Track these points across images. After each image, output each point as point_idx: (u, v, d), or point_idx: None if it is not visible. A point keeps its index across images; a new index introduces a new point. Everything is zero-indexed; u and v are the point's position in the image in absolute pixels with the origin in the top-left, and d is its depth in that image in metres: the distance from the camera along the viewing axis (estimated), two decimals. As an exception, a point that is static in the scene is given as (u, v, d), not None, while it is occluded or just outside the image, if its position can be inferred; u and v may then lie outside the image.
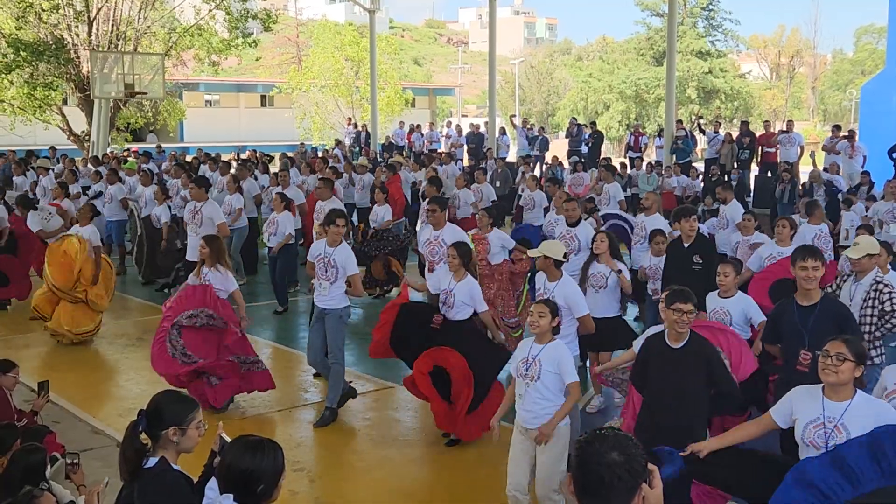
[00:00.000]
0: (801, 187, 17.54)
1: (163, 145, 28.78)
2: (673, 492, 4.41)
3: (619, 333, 8.00)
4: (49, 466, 5.50)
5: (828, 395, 4.43)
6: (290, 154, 24.04)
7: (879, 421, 4.25)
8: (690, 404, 5.27)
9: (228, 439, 3.65)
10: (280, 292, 12.58)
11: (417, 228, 12.88)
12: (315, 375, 9.43)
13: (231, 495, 3.24)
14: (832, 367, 4.36)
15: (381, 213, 12.96)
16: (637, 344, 6.05)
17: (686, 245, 8.50)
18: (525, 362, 5.59)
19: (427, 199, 10.16)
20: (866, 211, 13.34)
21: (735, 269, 7.09)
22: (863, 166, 18.38)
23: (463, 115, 56.92)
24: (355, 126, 31.16)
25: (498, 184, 19.61)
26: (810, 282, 5.77)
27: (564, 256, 6.95)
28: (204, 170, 18.58)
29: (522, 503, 5.65)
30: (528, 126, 27.46)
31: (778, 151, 20.16)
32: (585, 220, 10.10)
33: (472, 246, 8.26)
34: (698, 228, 8.80)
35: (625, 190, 19.96)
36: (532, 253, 7.08)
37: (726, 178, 19.98)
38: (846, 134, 19.77)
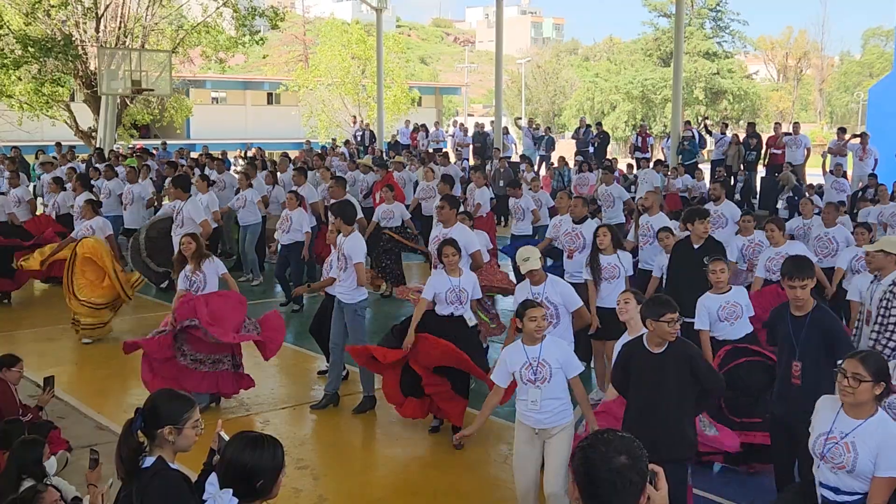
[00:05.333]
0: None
1: (168, 142, 28.82)
2: None
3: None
4: (55, 462, 5.52)
5: (846, 409, 4.28)
6: (292, 153, 24.01)
7: (883, 446, 4.10)
8: (678, 409, 5.14)
9: (227, 438, 3.65)
10: (289, 290, 12.52)
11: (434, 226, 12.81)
12: (320, 373, 9.43)
13: (230, 490, 3.23)
14: (848, 388, 4.18)
15: (398, 212, 12.88)
16: None
17: (696, 246, 8.48)
18: (529, 367, 5.47)
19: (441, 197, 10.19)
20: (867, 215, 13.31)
21: (728, 263, 7.25)
22: (873, 169, 18.33)
23: (469, 115, 56.96)
24: (361, 123, 31.15)
25: (501, 183, 19.57)
26: (798, 301, 5.63)
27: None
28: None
29: None
30: (534, 126, 27.43)
31: (785, 153, 20.08)
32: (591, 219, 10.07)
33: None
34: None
35: (630, 190, 19.93)
36: (526, 267, 7.01)
37: (733, 180, 19.95)
38: (858, 134, 19.67)
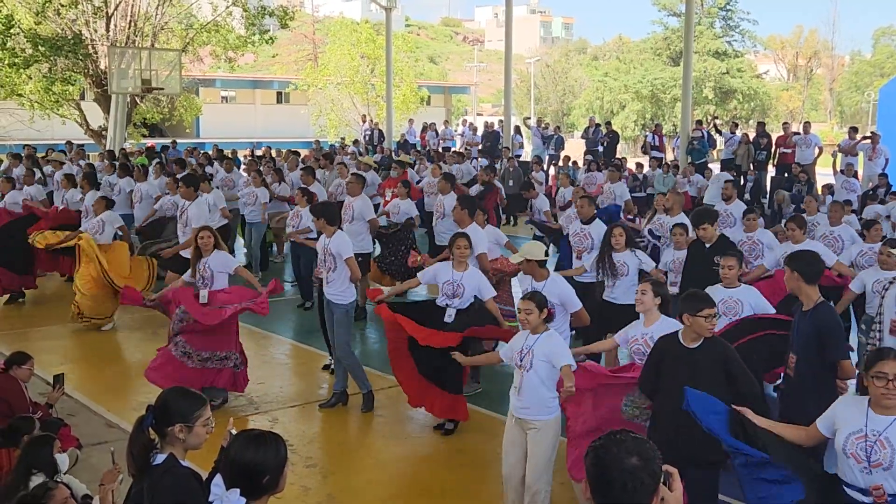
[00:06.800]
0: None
1: (178, 140, 28.89)
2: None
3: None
4: (67, 459, 5.55)
5: (873, 406, 4.23)
6: (303, 151, 24.02)
7: None
8: None
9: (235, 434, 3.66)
10: (305, 287, 12.49)
11: (433, 224, 12.82)
12: (324, 368, 9.48)
13: (238, 490, 3.25)
14: (893, 392, 4.14)
15: (405, 207, 12.86)
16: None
17: (708, 246, 8.53)
18: (520, 353, 5.66)
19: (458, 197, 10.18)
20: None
21: (738, 261, 7.19)
22: (884, 168, 18.25)
23: (478, 114, 56.96)
24: (371, 123, 31.17)
25: (511, 182, 19.57)
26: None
27: (546, 254, 7.09)
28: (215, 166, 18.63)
29: (517, 491, 5.70)
30: (543, 125, 27.40)
31: (795, 153, 20.04)
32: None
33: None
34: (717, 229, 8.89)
35: (643, 190, 19.90)
36: (513, 258, 7.20)
37: (742, 180, 19.91)
38: (868, 135, 19.62)
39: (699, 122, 24.14)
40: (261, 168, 15.91)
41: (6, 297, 12.82)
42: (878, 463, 4.14)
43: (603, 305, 8.39)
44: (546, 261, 7.11)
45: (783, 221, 12.74)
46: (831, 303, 6.51)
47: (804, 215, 10.53)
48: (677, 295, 7.33)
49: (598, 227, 9.39)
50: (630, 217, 14.08)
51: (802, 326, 5.63)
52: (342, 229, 8.96)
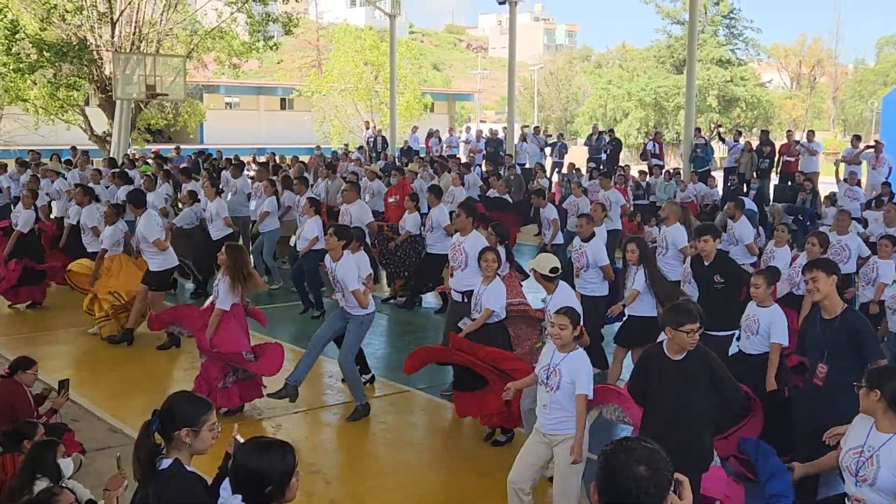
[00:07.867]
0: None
1: (182, 146, 28.98)
2: None
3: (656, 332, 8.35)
4: (71, 463, 5.56)
5: (877, 424, 4.28)
6: (304, 159, 24.08)
7: None
8: (697, 416, 5.15)
9: (243, 441, 3.67)
10: (313, 294, 12.33)
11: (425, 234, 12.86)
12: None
13: (240, 496, 3.25)
14: None
15: (410, 222, 12.86)
16: None
17: (707, 264, 8.35)
18: (546, 370, 5.59)
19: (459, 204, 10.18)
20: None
21: (766, 279, 6.91)
22: (887, 177, 18.25)
23: (482, 121, 57.00)
24: (374, 129, 31.21)
25: (512, 190, 19.59)
26: (812, 294, 5.79)
27: (554, 270, 7.04)
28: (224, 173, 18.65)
29: (523, 501, 5.64)
30: (546, 133, 27.42)
31: (799, 161, 20.06)
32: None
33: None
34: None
35: (646, 198, 19.89)
36: (528, 265, 7.26)
37: (745, 188, 19.90)
38: (871, 144, 19.63)
39: (698, 130, 24.15)
40: (273, 177, 15.81)
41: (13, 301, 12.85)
42: (864, 478, 4.21)
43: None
44: (553, 276, 7.08)
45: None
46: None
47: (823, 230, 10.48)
48: None
49: (595, 246, 9.31)
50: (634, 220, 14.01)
51: (829, 334, 5.62)
52: None
